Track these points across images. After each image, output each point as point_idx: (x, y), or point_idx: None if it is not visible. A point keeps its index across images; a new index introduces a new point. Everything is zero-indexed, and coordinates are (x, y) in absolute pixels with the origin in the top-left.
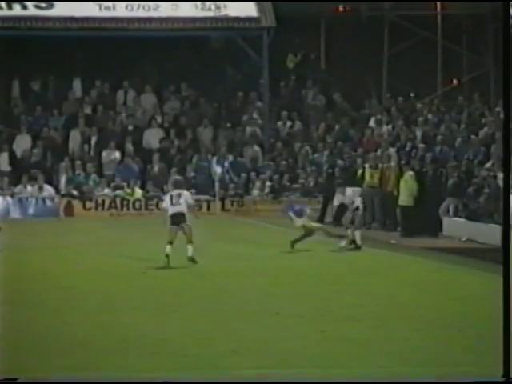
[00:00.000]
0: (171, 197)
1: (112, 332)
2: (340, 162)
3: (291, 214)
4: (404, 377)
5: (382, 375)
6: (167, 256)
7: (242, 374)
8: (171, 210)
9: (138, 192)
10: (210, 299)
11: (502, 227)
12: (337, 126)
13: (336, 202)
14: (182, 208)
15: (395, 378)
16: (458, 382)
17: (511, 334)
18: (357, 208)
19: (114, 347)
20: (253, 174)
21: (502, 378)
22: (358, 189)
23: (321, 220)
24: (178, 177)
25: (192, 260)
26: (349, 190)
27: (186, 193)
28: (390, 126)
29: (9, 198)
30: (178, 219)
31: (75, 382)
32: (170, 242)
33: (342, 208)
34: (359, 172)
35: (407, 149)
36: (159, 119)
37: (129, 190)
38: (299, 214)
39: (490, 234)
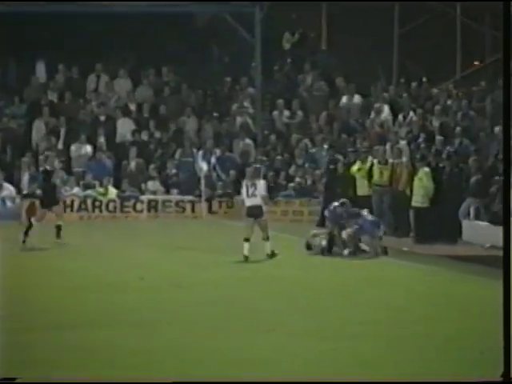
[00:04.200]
0: (247, 187)
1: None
2: (341, 157)
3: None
4: None
5: None
6: (246, 258)
7: None
8: (247, 202)
9: (112, 191)
10: (193, 314)
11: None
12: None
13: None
14: (258, 200)
15: None
16: (458, 381)
17: (511, 334)
18: None
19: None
20: (243, 170)
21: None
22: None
23: (321, 224)
24: (257, 165)
25: (272, 255)
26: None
27: (261, 183)
28: (400, 116)
29: None
30: (254, 212)
31: (75, 382)
32: (247, 239)
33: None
34: (358, 166)
35: (421, 141)
36: (136, 108)
37: (101, 190)
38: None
39: None
